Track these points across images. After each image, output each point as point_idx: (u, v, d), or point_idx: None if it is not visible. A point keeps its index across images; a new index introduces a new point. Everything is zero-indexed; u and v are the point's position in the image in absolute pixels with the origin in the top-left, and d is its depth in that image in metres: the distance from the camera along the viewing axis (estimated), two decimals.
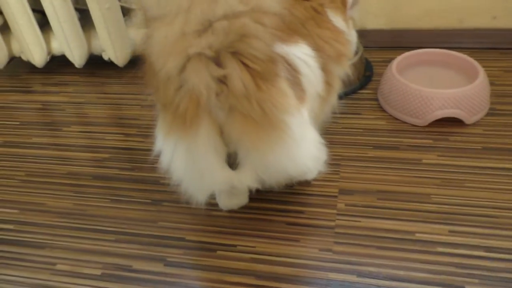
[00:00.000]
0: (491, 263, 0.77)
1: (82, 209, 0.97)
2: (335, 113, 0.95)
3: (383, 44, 1.38)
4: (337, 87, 0.88)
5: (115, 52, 1.33)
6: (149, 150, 0.75)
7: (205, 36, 0.59)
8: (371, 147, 1.03)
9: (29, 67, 1.47)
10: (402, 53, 1.18)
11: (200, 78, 0.60)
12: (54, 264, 0.86)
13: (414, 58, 1.19)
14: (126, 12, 1.34)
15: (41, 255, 0.88)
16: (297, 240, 0.85)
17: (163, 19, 0.60)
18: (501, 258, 0.78)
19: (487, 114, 1.09)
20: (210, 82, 0.61)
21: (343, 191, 0.93)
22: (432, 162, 0.98)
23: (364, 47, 1.25)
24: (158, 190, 0.98)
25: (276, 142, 0.67)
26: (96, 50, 1.39)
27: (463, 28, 1.32)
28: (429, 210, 0.87)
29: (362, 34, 1.25)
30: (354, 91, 1.21)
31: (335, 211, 0.89)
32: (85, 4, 1.26)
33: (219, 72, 0.61)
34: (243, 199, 0.91)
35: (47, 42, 1.38)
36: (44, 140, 1.18)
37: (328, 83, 0.82)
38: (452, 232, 0.83)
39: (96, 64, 1.44)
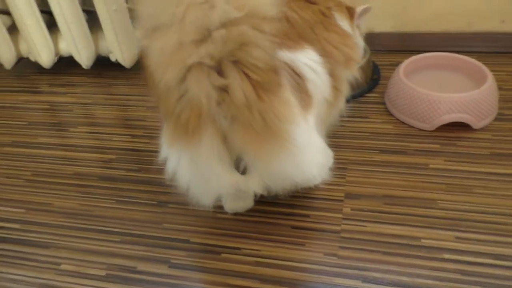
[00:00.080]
0: (498, 270, 0.76)
1: (87, 209, 0.97)
2: (342, 116, 0.95)
3: (390, 47, 1.37)
4: (345, 92, 0.87)
5: (122, 53, 1.34)
6: (156, 151, 0.75)
7: (205, 45, 0.58)
8: (378, 151, 1.03)
9: (37, 68, 1.48)
10: (410, 56, 1.17)
11: (201, 88, 0.60)
12: (59, 264, 0.86)
13: (422, 62, 1.19)
14: (133, 14, 1.35)
15: (46, 255, 0.88)
16: (302, 244, 0.84)
17: (161, 29, 0.59)
18: (509, 266, 0.77)
19: (495, 119, 1.08)
20: (211, 92, 0.60)
21: (349, 196, 0.93)
22: (439, 167, 0.97)
23: (372, 50, 1.25)
24: (163, 191, 0.98)
25: (279, 152, 0.67)
26: (103, 52, 1.40)
27: (471, 31, 1.31)
28: (436, 215, 0.87)
29: (370, 37, 1.24)
30: (361, 95, 1.21)
31: (341, 216, 0.89)
32: (93, 6, 1.27)
33: (220, 81, 0.60)
34: (248, 202, 0.91)
35: (55, 43, 1.39)
36: (51, 140, 1.19)
37: (336, 88, 0.82)
38: (458, 238, 0.82)
39: (103, 65, 1.44)
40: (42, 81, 1.45)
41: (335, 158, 1.00)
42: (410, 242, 0.82)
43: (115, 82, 1.40)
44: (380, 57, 1.34)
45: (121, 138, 1.16)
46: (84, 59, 1.37)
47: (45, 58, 1.39)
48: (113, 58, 1.39)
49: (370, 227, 0.86)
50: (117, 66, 1.41)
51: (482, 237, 0.82)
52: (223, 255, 0.84)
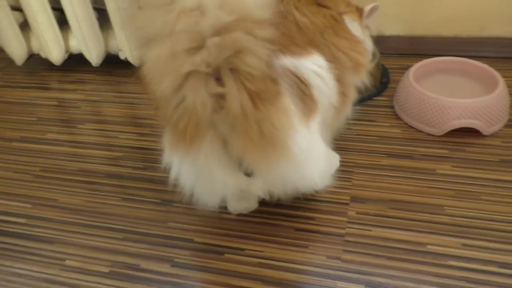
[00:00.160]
0: (504, 279, 0.75)
1: (93, 206, 0.97)
2: (349, 119, 0.94)
3: (400, 51, 1.36)
4: (352, 97, 0.86)
5: (131, 51, 1.35)
6: (162, 150, 0.75)
7: (200, 53, 0.58)
8: (385, 155, 1.02)
9: (47, 65, 1.49)
10: (420, 60, 1.16)
11: (196, 96, 0.60)
12: (63, 259, 0.86)
13: (432, 66, 1.17)
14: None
15: (50, 250, 0.88)
16: (305, 247, 0.84)
17: (156, 39, 0.59)
18: None
19: (506, 126, 1.06)
20: (206, 99, 0.60)
21: (355, 199, 0.92)
22: (447, 173, 0.96)
23: (381, 53, 1.24)
24: (169, 190, 0.98)
25: (278, 159, 0.66)
26: (113, 50, 1.40)
27: (483, 36, 1.29)
28: (442, 222, 0.86)
29: (380, 40, 1.23)
30: (370, 98, 1.20)
31: (345, 219, 0.88)
32: (104, 4, 1.27)
33: (217, 89, 0.60)
34: (252, 203, 0.91)
35: (65, 40, 1.40)
36: (60, 136, 1.20)
37: (343, 94, 0.81)
38: (464, 245, 0.81)
39: (113, 63, 1.45)
40: (52, 77, 1.46)
41: (341, 161, 0.99)
42: (416, 248, 0.81)
43: (124, 80, 1.40)
44: (389, 61, 1.33)
45: (128, 136, 1.17)
46: (94, 56, 1.38)
47: (56, 55, 1.40)
48: (122, 56, 1.40)
49: (375, 231, 0.85)
50: (126, 64, 1.42)
51: (489, 244, 0.81)
52: (226, 255, 0.84)
